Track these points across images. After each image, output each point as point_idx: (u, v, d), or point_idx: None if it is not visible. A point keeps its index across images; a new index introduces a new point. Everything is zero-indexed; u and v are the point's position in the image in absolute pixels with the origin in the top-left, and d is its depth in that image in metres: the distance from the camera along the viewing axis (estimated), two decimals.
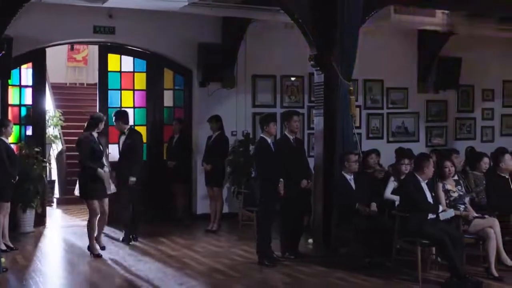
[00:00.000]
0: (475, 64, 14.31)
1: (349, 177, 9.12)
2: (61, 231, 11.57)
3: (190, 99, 12.76)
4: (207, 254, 9.45)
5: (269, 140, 8.93)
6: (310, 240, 10.01)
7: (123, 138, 10.36)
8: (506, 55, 14.38)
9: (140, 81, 12.60)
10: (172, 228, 11.34)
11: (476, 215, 8.34)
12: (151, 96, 12.58)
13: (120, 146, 10.45)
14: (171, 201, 12.23)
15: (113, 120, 10.44)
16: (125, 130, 10.34)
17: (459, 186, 8.59)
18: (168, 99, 12.76)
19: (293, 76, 13.24)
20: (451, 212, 8.21)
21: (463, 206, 8.41)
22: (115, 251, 9.64)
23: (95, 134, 9.39)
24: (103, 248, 9.51)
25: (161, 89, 12.68)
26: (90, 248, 9.28)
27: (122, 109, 11.76)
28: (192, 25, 12.16)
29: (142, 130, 12.39)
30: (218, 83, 12.47)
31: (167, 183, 12.09)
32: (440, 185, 8.49)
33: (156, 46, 12.30)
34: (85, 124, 9.54)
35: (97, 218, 9.30)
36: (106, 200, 9.41)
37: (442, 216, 8.11)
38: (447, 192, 8.46)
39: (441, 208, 8.22)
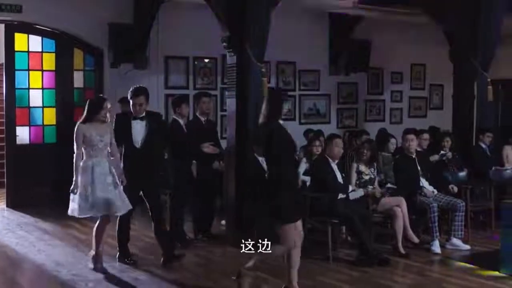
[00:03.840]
0: (385, 47, 14.64)
1: (261, 159, 9.17)
2: None
3: (101, 80, 12.50)
4: None
5: (181, 122, 8.91)
6: (223, 222, 10.04)
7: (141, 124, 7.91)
8: (414, 39, 14.73)
9: (49, 61, 12.24)
10: None
11: (382, 190, 8.59)
12: (60, 77, 12.26)
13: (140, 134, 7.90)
14: None
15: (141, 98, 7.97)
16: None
17: (372, 169, 8.80)
18: (78, 80, 12.46)
19: (206, 58, 13.19)
20: (360, 192, 8.43)
21: (371, 187, 8.63)
22: (24, 235, 9.41)
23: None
24: None
25: (71, 70, 12.38)
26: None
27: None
28: (103, 4, 11.92)
29: (51, 111, 12.16)
30: (130, 64, 12.26)
31: None
32: (355, 165, 8.69)
33: (66, 25, 11.97)
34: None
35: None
36: None
37: (352, 196, 8.33)
38: (360, 173, 8.65)
39: (350, 188, 8.42)
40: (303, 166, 9.35)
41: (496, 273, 7.46)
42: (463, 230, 8.77)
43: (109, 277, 7.34)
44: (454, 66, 11.36)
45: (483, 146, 10.79)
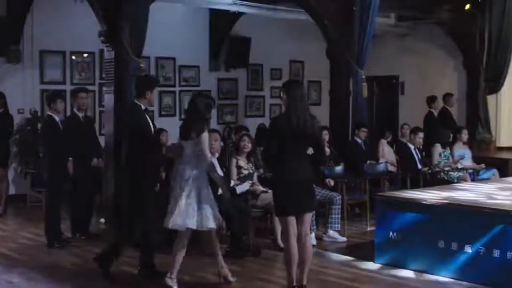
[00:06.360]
0: (264, 44, 14.81)
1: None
2: None
3: None
4: None
5: (56, 118, 8.68)
6: (102, 220, 9.88)
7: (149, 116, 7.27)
8: (293, 36, 15.00)
9: None
10: None
11: (263, 189, 8.68)
12: None
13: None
14: None
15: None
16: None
17: (250, 164, 8.87)
18: None
19: (83, 52, 12.87)
20: (246, 186, 8.49)
21: (250, 182, 8.70)
22: None
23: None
24: None
25: None
26: None
27: None
28: None
29: None
30: (3, 57, 11.86)
31: None
32: (234, 160, 8.73)
33: None
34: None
35: None
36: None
37: (239, 190, 8.37)
38: (239, 168, 8.70)
39: (233, 182, 8.46)
40: None
41: (371, 263, 7.71)
42: (340, 222, 9.01)
43: None
44: (331, 63, 11.66)
45: (359, 141, 11.13)
